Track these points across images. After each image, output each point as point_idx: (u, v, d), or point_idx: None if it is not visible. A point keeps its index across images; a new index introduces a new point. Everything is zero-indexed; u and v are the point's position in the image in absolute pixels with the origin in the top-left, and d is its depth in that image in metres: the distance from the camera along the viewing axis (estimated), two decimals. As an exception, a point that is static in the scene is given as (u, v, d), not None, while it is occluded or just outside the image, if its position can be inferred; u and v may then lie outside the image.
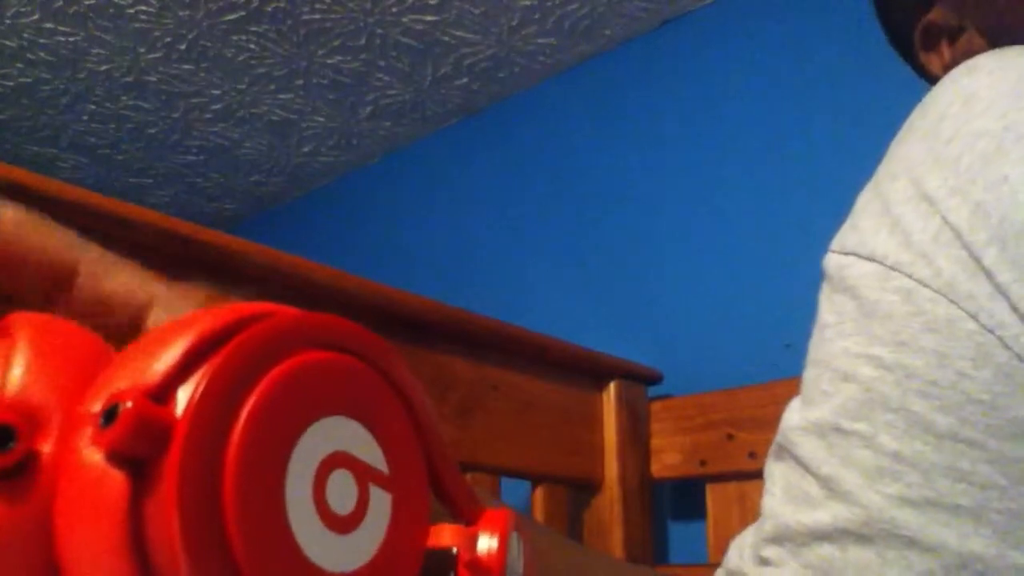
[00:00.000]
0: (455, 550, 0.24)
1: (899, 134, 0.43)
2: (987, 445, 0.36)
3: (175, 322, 0.21)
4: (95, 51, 1.67)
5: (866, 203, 0.42)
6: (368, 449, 0.22)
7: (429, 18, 1.55)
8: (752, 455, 1.12)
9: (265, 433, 0.19)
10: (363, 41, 1.62)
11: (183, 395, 0.19)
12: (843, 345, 0.40)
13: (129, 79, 1.76)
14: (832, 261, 0.42)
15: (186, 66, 1.71)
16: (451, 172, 1.89)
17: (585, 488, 1.19)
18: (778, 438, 0.43)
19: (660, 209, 1.49)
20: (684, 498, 1.32)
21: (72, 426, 0.20)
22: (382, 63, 1.69)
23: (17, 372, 0.21)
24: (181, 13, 1.55)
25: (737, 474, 1.14)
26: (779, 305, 1.26)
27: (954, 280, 0.37)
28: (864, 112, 1.25)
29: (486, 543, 0.25)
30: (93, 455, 0.19)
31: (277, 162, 2.08)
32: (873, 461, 0.38)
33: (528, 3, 1.50)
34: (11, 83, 1.78)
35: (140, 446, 0.18)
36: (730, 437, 1.15)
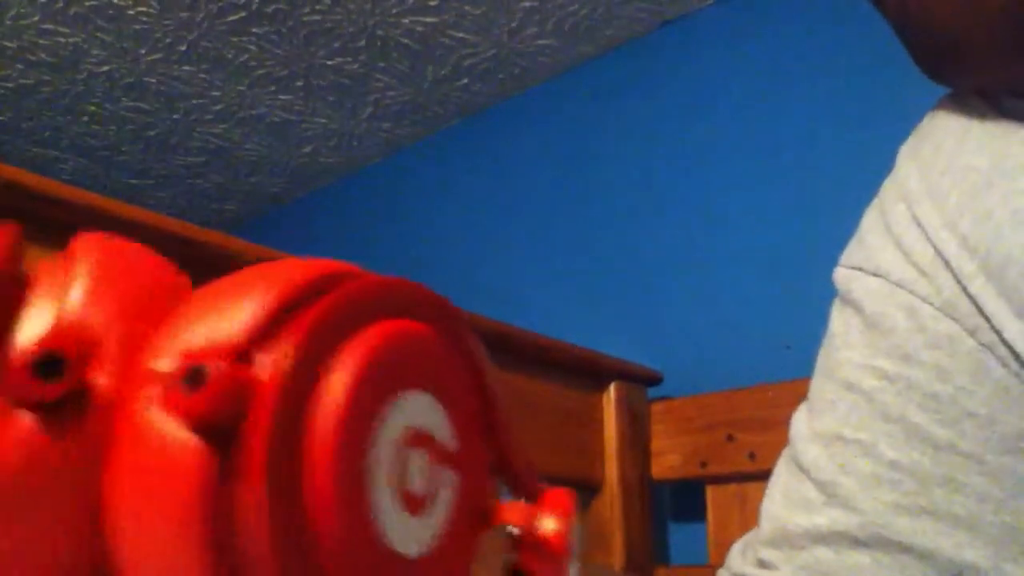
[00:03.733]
0: (518, 530, 0.23)
1: (900, 157, 0.45)
2: (984, 458, 0.37)
3: (248, 273, 0.19)
4: (95, 52, 1.67)
5: (872, 221, 0.44)
6: (440, 425, 0.21)
7: (429, 19, 1.55)
8: (752, 456, 1.12)
9: (355, 407, 0.18)
10: (363, 42, 1.63)
11: (268, 359, 0.17)
12: (848, 356, 0.41)
13: (129, 80, 1.76)
14: (841, 275, 0.44)
15: (186, 67, 1.71)
16: (451, 173, 1.89)
17: (585, 489, 1.19)
18: (788, 445, 0.44)
19: (660, 210, 1.49)
20: (684, 499, 1.32)
21: (138, 374, 0.18)
22: (382, 64, 1.69)
23: (76, 296, 0.19)
24: (181, 14, 1.55)
25: (737, 475, 1.14)
26: (779, 307, 1.26)
27: (953, 299, 0.38)
28: (864, 113, 1.25)
29: (552, 524, 0.23)
30: (165, 419, 0.17)
31: (277, 163, 2.08)
32: (872, 469, 0.38)
33: (528, 4, 1.50)
34: (11, 84, 1.78)
35: (226, 415, 0.16)
36: (730, 438, 1.15)
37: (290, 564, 0.17)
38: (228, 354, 0.17)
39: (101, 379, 0.18)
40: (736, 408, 1.16)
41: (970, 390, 0.37)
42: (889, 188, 0.44)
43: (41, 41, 1.64)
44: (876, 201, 0.45)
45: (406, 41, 1.61)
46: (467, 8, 1.52)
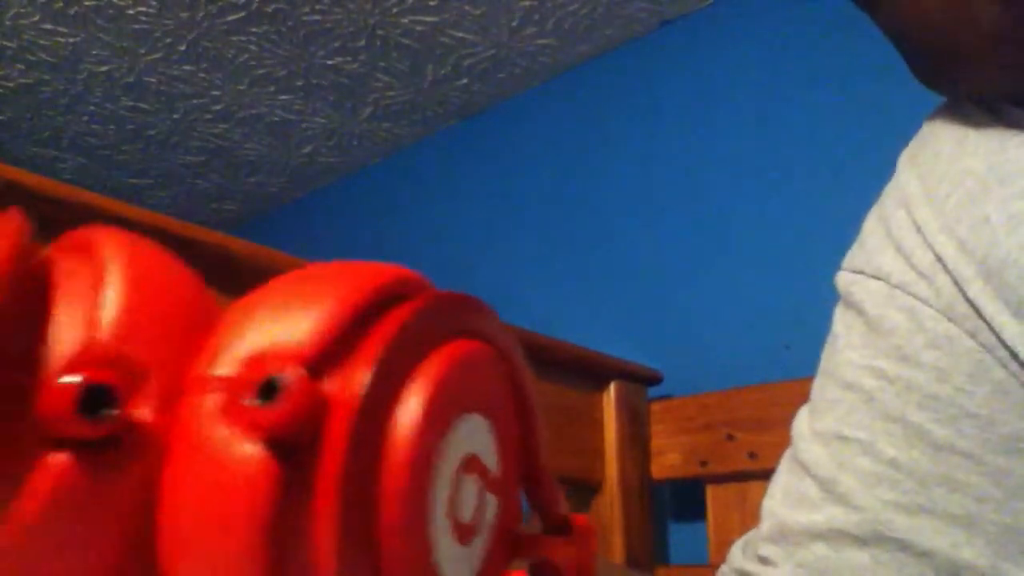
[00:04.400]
0: (545, 562, 0.21)
1: (900, 162, 0.46)
2: (983, 458, 0.37)
3: (309, 278, 0.18)
4: (95, 52, 1.67)
5: (873, 225, 0.44)
6: (488, 449, 0.20)
7: (429, 19, 1.55)
8: (752, 456, 1.12)
9: (428, 431, 0.17)
10: (363, 42, 1.63)
11: (345, 375, 0.16)
12: (849, 356, 0.42)
13: (129, 80, 1.76)
14: (842, 279, 0.44)
15: (186, 67, 1.71)
16: (451, 173, 1.89)
17: (585, 489, 1.19)
18: (790, 445, 0.45)
19: (660, 210, 1.49)
20: (684, 499, 1.32)
21: (191, 391, 0.16)
22: (382, 64, 1.69)
23: (112, 312, 0.16)
24: (181, 14, 1.56)
25: (737, 475, 1.14)
26: (779, 306, 1.26)
27: (953, 301, 0.39)
28: (864, 114, 1.25)
29: (577, 557, 0.22)
30: (229, 431, 0.15)
31: (277, 163, 2.08)
32: (871, 467, 0.39)
33: (528, 4, 1.51)
34: (11, 84, 1.78)
35: (301, 431, 0.15)
36: (730, 438, 1.15)
37: None
38: (301, 365, 0.16)
39: (146, 410, 0.16)
40: (736, 407, 1.16)
41: (969, 391, 0.37)
42: (890, 193, 0.45)
43: (41, 41, 1.64)
44: (877, 206, 0.46)
45: (406, 41, 1.62)
46: (467, 8, 1.52)
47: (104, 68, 1.72)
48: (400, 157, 2.01)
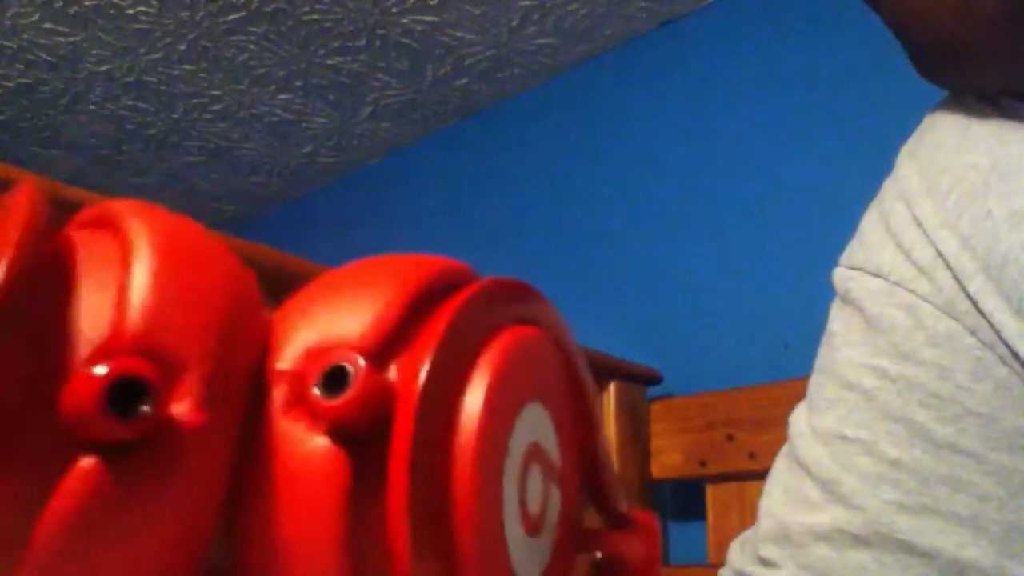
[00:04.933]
0: (604, 556, 0.21)
1: (899, 157, 0.45)
2: (985, 457, 0.37)
3: (362, 269, 0.17)
4: (95, 52, 1.67)
5: (871, 221, 0.44)
6: (549, 438, 0.19)
7: (429, 19, 1.55)
8: (752, 456, 1.12)
9: (492, 417, 0.16)
10: (363, 42, 1.62)
11: (409, 363, 0.15)
12: (848, 355, 0.41)
13: (129, 80, 1.76)
14: (840, 275, 0.44)
15: (186, 67, 1.71)
16: (451, 172, 1.89)
17: (585, 488, 1.19)
18: (787, 444, 0.44)
19: (660, 210, 1.49)
20: (684, 499, 1.32)
21: (255, 387, 0.15)
22: (382, 64, 1.69)
23: (142, 294, 0.14)
24: (181, 14, 1.55)
25: (737, 475, 1.14)
26: (778, 306, 1.26)
27: (953, 298, 0.38)
28: (864, 113, 1.25)
29: (642, 552, 0.21)
30: (300, 428, 0.15)
31: (277, 163, 2.08)
32: (873, 467, 0.38)
33: (528, 4, 1.50)
34: (11, 84, 1.78)
35: (369, 421, 0.15)
36: (730, 438, 1.15)
37: None
38: (363, 355, 0.15)
39: (184, 407, 0.14)
40: (736, 407, 1.16)
41: (971, 388, 0.37)
42: (889, 188, 0.44)
43: (41, 40, 1.64)
44: (875, 201, 0.45)
45: (406, 40, 1.61)
46: (467, 7, 1.52)
47: (104, 68, 1.72)
48: (400, 157, 2.01)
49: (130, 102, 1.83)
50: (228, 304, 0.15)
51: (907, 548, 0.37)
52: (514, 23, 1.56)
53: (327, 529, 0.15)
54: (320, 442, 0.15)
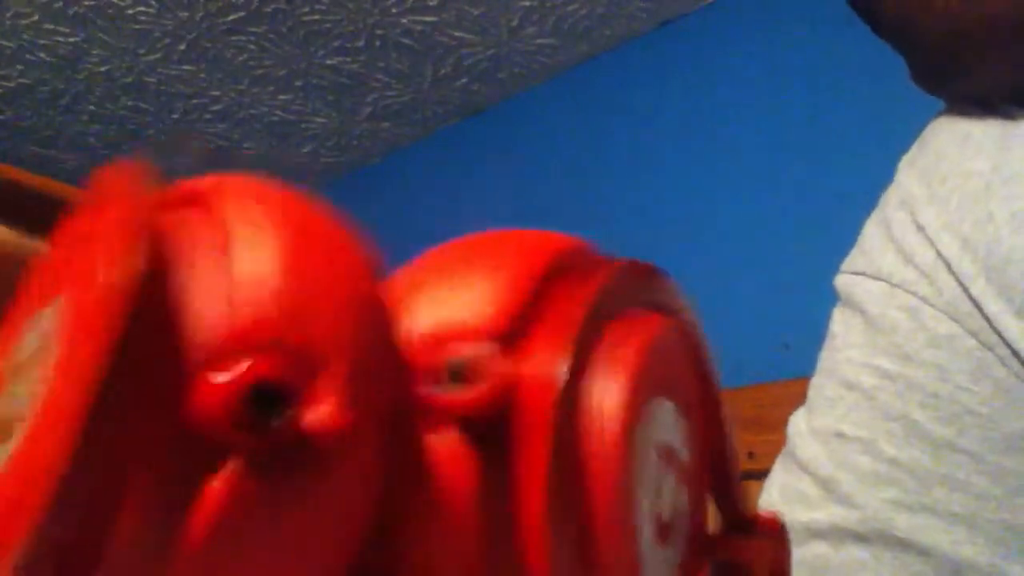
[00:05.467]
0: (735, 565, 0.19)
1: (901, 166, 0.45)
2: (984, 457, 0.37)
3: (467, 244, 0.16)
4: (95, 52, 1.67)
5: (873, 229, 0.44)
6: (679, 438, 0.17)
7: (428, 19, 1.55)
8: (751, 455, 1.12)
9: (629, 414, 0.15)
10: (363, 42, 1.63)
11: (533, 350, 0.14)
12: (848, 355, 0.41)
13: (128, 80, 1.76)
14: (842, 281, 0.44)
15: (186, 67, 1.71)
16: (451, 173, 1.89)
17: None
18: (787, 445, 0.44)
19: (659, 209, 1.49)
20: (684, 498, 1.32)
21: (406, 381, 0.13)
22: (382, 64, 1.69)
23: (262, 280, 0.12)
24: (180, 14, 1.56)
25: (736, 474, 1.14)
26: (778, 306, 1.26)
27: (954, 300, 0.38)
28: (864, 113, 1.26)
29: (773, 560, 0.20)
30: (426, 426, 0.13)
31: (277, 163, 2.08)
32: (871, 466, 0.38)
33: (527, 4, 1.51)
34: (11, 84, 1.78)
35: (498, 416, 0.13)
36: (729, 437, 1.15)
37: None
38: (489, 341, 0.13)
39: (329, 409, 0.12)
40: (734, 407, 1.15)
41: (970, 389, 0.37)
42: (890, 197, 0.45)
43: (41, 41, 1.64)
44: (876, 211, 0.46)
45: (405, 41, 1.62)
46: (466, 8, 1.52)
47: (104, 68, 1.72)
48: (400, 157, 2.01)
49: (130, 102, 1.83)
50: (360, 284, 0.13)
51: (904, 546, 0.37)
52: (514, 23, 1.56)
53: (460, 532, 0.13)
54: (449, 440, 0.13)
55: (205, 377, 0.11)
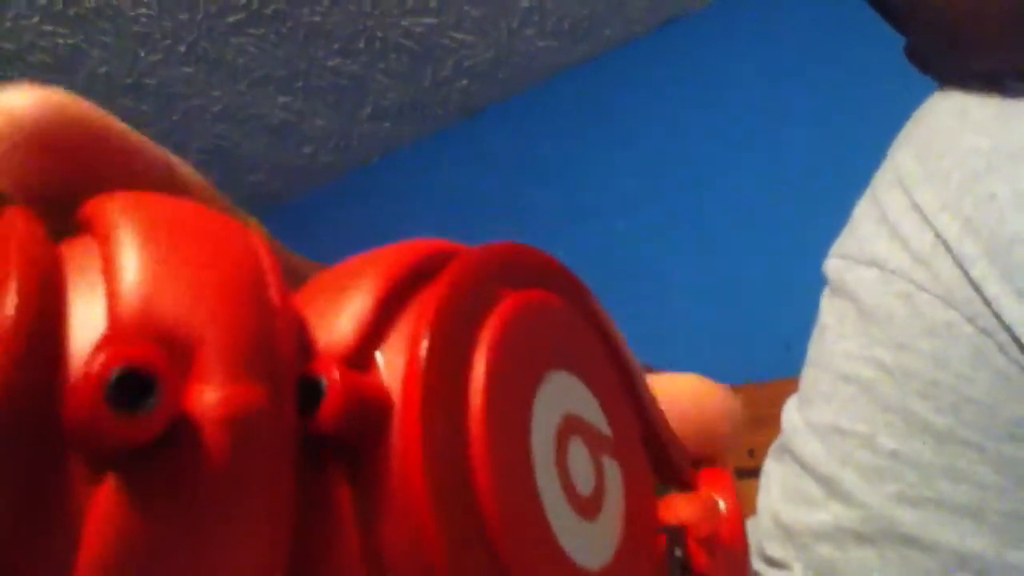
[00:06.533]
0: (690, 525, 0.19)
1: (894, 143, 0.44)
2: (985, 446, 0.36)
3: (346, 265, 0.16)
4: (95, 53, 1.67)
5: (865, 210, 0.43)
6: (590, 409, 0.17)
7: (428, 20, 1.55)
8: (751, 453, 1.12)
9: (504, 397, 0.15)
10: (363, 43, 1.63)
11: (389, 358, 0.14)
12: (843, 347, 0.40)
13: (129, 81, 1.76)
14: (832, 266, 0.43)
15: (186, 68, 1.71)
16: (451, 173, 1.89)
17: (585, 488, 1.19)
18: (780, 438, 0.43)
19: (660, 209, 1.49)
20: (684, 498, 1.32)
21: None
22: (382, 65, 1.69)
23: (133, 276, 0.12)
24: (181, 15, 1.56)
25: (736, 472, 1.14)
26: (778, 305, 1.26)
27: (952, 285, 0.37)
28: (864, 113, 1.26)
29: (723, 513, 0.20)
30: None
31: (277, 163, 2.08)
32: (872, 461, 0.38)
33: (527, 5, 1.51)
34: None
35: (355, 428, 0.13)
36: (730, 437, 1.15)
37: None
38: (341, 359, 0.13)
39: (206, 394, 0.12)
40: (736, 407, 1.16)
41: (969, 377, 0.37)
42: (883, 174, 0.43)
43: (41, 42, 1.64)
44: (868, 190, 0.44)
45: (405, 42, 1.62)
46: (466, 9, 1.52)
47: (104, 69, 1.72)
48: (400, 157, 2.01)
49: (130, 104, 1.83)
50: (230, 271, 0.13)
51: (909, 542, 0.36)
52: (514, 24, 1.56)
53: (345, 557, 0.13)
54: (317, 467, 0.13)
55: (74, 375, 0.11)
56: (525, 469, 0.15)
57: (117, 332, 0.12)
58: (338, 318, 0.14)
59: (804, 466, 0.40)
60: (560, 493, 0.16)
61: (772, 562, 0.41)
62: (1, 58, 1.69)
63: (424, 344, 0.14)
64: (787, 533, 0.40)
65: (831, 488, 0.39)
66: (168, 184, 0.15)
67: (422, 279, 0.15)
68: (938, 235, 0.38)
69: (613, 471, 0.17)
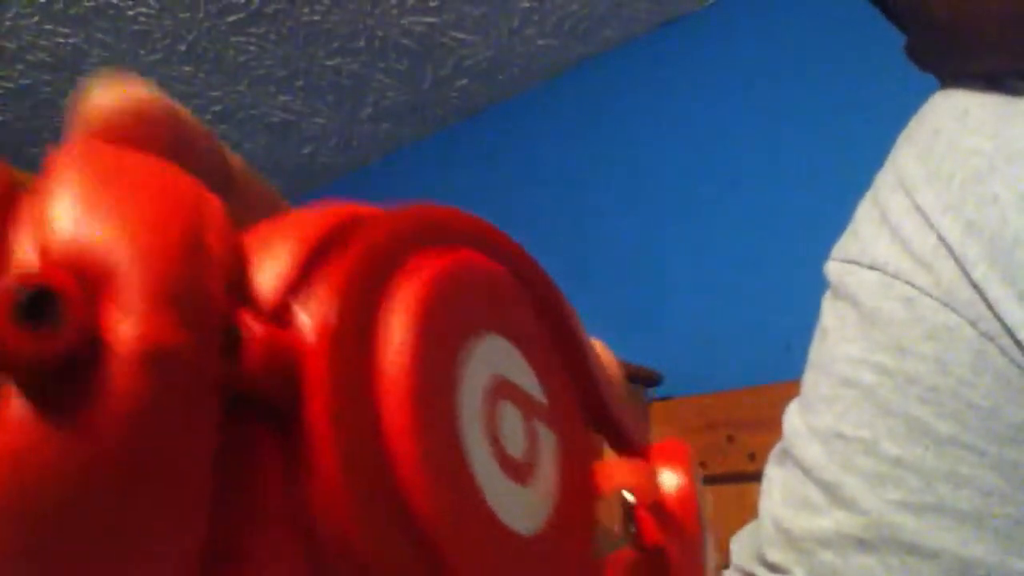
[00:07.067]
0: (630, 493, 0.19)
1: (896, 144, 0.44)
2: (987, 450, 0.36)
3: (263, 227, 0.16)
4: (95, 53, 1.67)
5: (866, 212, 0.43)
6: (525, 375, 0.17)
7: (429, 20, 1.55)
8: (752, 457, 1.12)
9: (425, 355, 0.15)
10: (363, 43, 1.62)
11: (308, 314, 0.14)
12: (844, 351, 0.40)
13: (129, 80, 1.76)
14: (833, 269, 0.43)
15: (186, 68, 1.71)
16: (451, 173, 1.89)
17: (585, 489, 1.19)
18: (782, 442, 0.43)
19: (660, 210, 1.49)
20: (684, 499, 1.32)
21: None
22: (382, 65, 1.69)
23: (59, 211, 0.12)
24: (181, 15, 1.55)
25: (737, 476, 1.14)
26: (779, 307, 1.26)
27: (953, 288, 0.37)
28: (864, 113, 1.25)
29: (672, 480, 0.19)
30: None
31: (277, 163, 2.08)
32: (874, 467, 0.38)
33: (528, 5, 1.50)
34: (11, 84, 1.78)
35: (278, 386, 0.13)
36: (730, 439, 1.15)
37: (389, 550, 0.13)
38: (260, 315, 0.13)
39: (123, 324, 0.11)
40: (736, 408, 1.16)
41: (971, 382, 0.36)
42: (884, 176, 0.43)
43: (41, 41, 1.64)
44: (870, 191, 0.44)
45: (406, 41, 1.61)
46: (467, 8, 1.52)
47: (104, 68, 1.72)
48: (400, 157, 2.01)
49: (130, 103, 1.83)
50: (181, 221, 0.13)
51: (912, 549, 0.36)
52: (514, 24, 1.56)
53: (270, 511, 0.13)
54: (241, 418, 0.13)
55: None
56: (449, 428, 0.15)
57: (40, 259, 0.12)
58: (263, 273, 0.14)
59: (806, 471, 0.40)
60: (489, 454, 0.15)
61: (773, 567, 0.41)
62: (1, 57, 1.69)
63: (335, 302, 0.14)
64: (788, 538, 0.40)
65: (833, 494, 0.38)
66: (212, 153, 0.17)
67: (343, 238, 0.15)
68: (940, 237, 0.38)
69: (548, 438, 0.17)
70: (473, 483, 0.15)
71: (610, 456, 0.20)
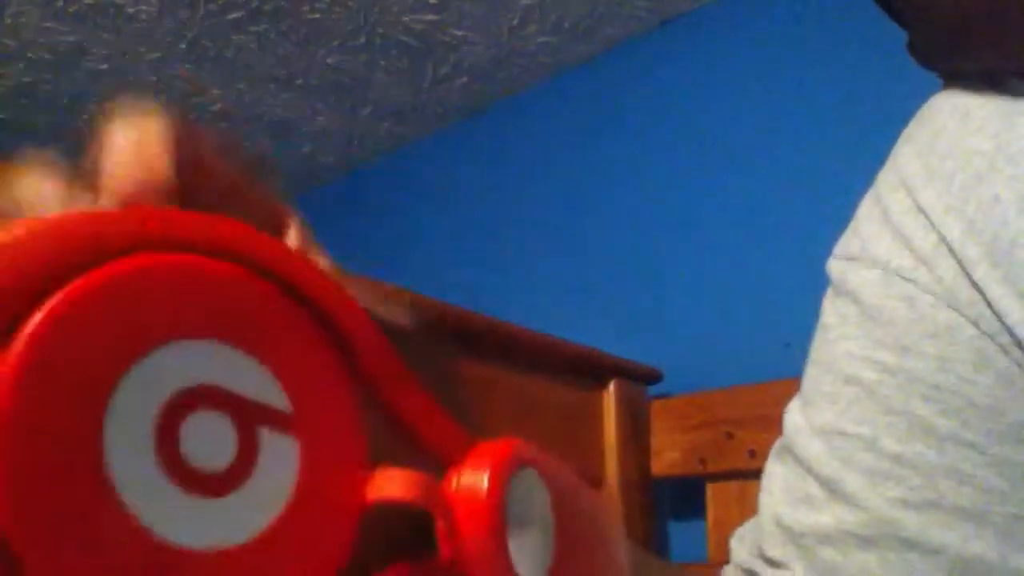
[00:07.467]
0: (388, 501, 0.18)
1: (898, 143, 0.44)
2: (988, 449, 0.36)
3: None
4: (95, 51, 1.67)
5: (868, 211, 0.43)
6: (255, 383, 0.17)
7: (429, 18, 1.55)
8: (752, 454, 1.12)
9: (48, 379, 0.14)
10: (363, 41, 1.62)
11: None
12: (846, 348, 0.40)
13: (129, 79, 1.76)
14: (835, 266, 0.43)
15: (186, 66, 1.71)
16: (451, 172, 1.89)
17: (585, 487, 1.19)
18: (782, 439, 0.43)
19: (660, 208, 1.49)
20: (684, 497, 1.32)
21: None
22: (382, 63, 1.69)
23: None
24: (181, 13, 1.55)
25: (737, 473, 1.14)
26: (779, 304, 1.26)
27: (954, 288, 0.37)
28: (864, 113, 1.25)
29: (470, 480, 0.19)
30: None
31: (277, 163, 2.08)
32: (875, 464, 0.38)
33: (528, 3, 1.50)
34: (11, 83, 1.78)
35: None
36: (730, 436, 1.15)
37: None
38: None
39: None
40: (736, 406, 1.16)
41: (972, 380, 0.37)
42: (886, 175, 0.43)
43: (41, 39, 1.64)
44: (872, 190, 0.44)
45: (406, 40, 1.61)
46: (467, 7, 1.52)
47: (104, 67, 1.72)
48: (400, 156, 2.01)
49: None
50: None
51: (912, 546, 0.36)
52: (514, 22, 1.56)
53: None
54: None
55: None
56: (77, 452, 0.14)
57: None
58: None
59: (806, 467, 0.40)
60: (158, 467, 0.15)
61: (773, 563, 0.41)
62: (1, 56, 1.68)
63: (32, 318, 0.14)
64: (788, 534, 0.40)
65: (833, 490, 0.39)
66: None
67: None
68: (941, 237, 0.38)
69: (281, 446, 0.17)
70: (112, 500, 0.15)
71: (389, 466, 0.19)
